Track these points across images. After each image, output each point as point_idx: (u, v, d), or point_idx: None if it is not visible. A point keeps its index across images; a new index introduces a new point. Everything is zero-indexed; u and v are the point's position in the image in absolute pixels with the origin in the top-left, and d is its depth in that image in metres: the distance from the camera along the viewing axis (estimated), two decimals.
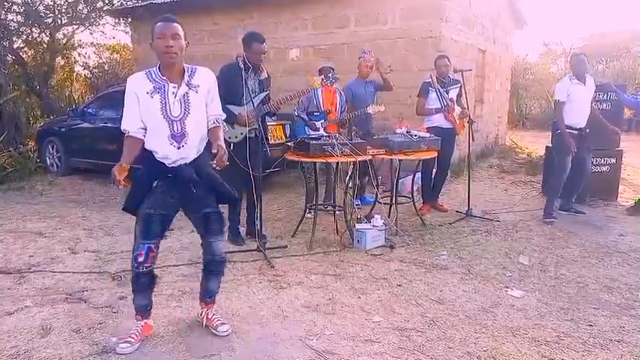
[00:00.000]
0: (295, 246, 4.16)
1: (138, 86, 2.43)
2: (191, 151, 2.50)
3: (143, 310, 2.60)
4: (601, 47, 18.09)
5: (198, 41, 8.61)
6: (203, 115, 2.54)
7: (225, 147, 2.50)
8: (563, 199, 5.13)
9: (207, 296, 2.75)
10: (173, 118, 2.43)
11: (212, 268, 2.69)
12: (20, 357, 2.44)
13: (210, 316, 2.73)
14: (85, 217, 5.14)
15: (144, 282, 2.55)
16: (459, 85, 5.23)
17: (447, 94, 5.10)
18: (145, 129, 2.47)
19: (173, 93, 2.42)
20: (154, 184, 2.50)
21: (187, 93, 2.45)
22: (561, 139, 4.82)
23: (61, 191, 6.50)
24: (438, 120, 5.12)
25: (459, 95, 5.25)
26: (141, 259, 2.47)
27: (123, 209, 2.57)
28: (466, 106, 5.26)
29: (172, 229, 2.62)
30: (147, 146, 2.49)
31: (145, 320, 2.61)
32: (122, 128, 2.49)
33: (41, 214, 5.22)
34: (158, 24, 2.41)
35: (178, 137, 2.45)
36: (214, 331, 2.66)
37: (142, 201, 2.49)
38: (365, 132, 5.08)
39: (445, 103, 5.05)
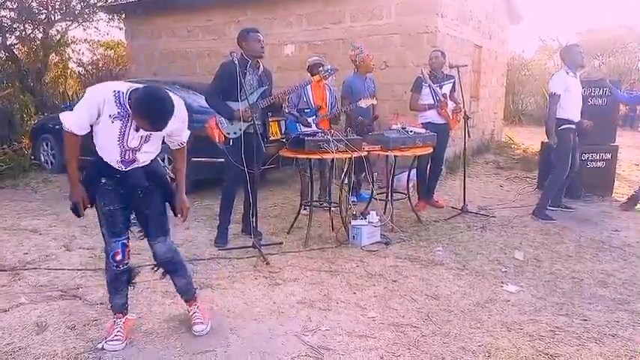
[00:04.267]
0: (291, 242, 4.16)
1: (105, 104, 2.23)
2: (141, 162, 2.45)
3: (122, 309, 2.56)
4: (597, 43, 18.14)
5: (192, 38, 8.60)
6: (159, 143, 2.47)
7: (185, 202, 2.56)
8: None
9: (182, 296, 2.73)
10: (127, 148, 2.35)
11: (165, 269, 2.64)
12: (15, 354, 2.43)
13: (190, 314, 2.70)
14: None
15: (123, 280, 2.51)
16: (453, 80, 5.22)
17: (440, 89, 5.09)
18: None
19: (136, 130, 2.30)
20: (102, 182, 2.42)
21: (151, 133, 2.35)
22: (561, 137, 4.72)
23: (56, 188, 6.46)
24: (431, 116, 5.12)
25: (453, 90, 5.24)
26: (119, 257, 2.43)
27: (72, 209, 2.48)
28: (460, 102, 5.25)
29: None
30: (97, 150, 2.40)
31: (126, 316, 2.58)
32: (67, 127, 2.29)
33: (36, 212, 5.19)
34: (150, 107, 2.15)
35: (127, 163, 2.40)
36: (191, 330, 2.63)
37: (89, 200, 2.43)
38: (365, 128, 5.06)
39: (437, 99, 5.04)
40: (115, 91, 2.25)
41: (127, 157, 2.38)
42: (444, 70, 5.21)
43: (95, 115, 2.25)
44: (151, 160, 2.52)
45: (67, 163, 2.44)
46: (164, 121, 2.19)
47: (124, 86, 2.28)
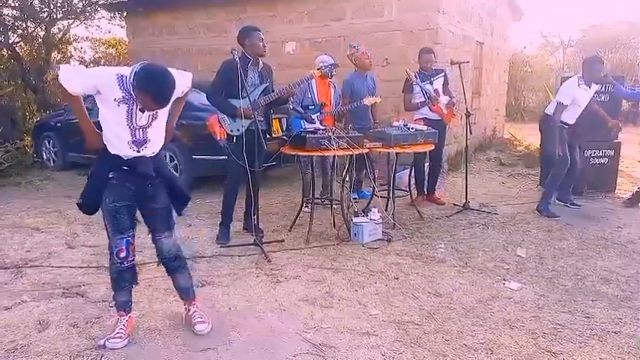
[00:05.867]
0: (292, 240, 4.15)
1: (106, 87, 2.28)
2: (151, 150, 2.47)
3: (125, 307, 2.56)
4: (600, 39, 18.04)
5: (193, 35, 8.58)
6: (166, 117, 2.49)
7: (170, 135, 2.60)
8: (560, 190, 5.11)
9: (183, 294, 2.71)
10: (137, 126, 2.37)
11: (169, 266, 2.63)
12: (18, 351, 2.43)
13: (190, 313, 2.68)
14: None
15: (127, 278, 2.51)
16: (443, 73, 5.21)
17: (432, 85, 5.08)
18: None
19: (141, 111, 2.33)
20: (110, 176, 2.43)
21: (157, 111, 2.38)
22: (557, 132, 4.73)
23: (58, 186, 6.48)
24: (425, 112, 5.13)
25: (446, 84, 5.23)
26: (123, 254, 2.43)
27: (78, 205, 2.52)
28: (455, 95, 5.23)
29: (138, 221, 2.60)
30: (104, 139, 2.41)
31: (129, 315, 2.58)
32: (60, 79, 2.27)
33: (38, 209, 5.20)
34: (155, 87, 2.21)
35: (139, 142, 2.41)
36: (192, 329, 2.62)
37: (99, 196, 2.43)
38: (363, 126, 5.05)
39: (428, 96, 5.03)
40: (118, 74, 2.29)
41: (138, 137, 2.39)
42: (433, 66, 5.21)
43: (90, 89, 2.29)
44: (155, 154, 2.52)
45: (77, 117, 2.43)
46: (167, 99, 2.25)
47: (127, 70, 2.31)
